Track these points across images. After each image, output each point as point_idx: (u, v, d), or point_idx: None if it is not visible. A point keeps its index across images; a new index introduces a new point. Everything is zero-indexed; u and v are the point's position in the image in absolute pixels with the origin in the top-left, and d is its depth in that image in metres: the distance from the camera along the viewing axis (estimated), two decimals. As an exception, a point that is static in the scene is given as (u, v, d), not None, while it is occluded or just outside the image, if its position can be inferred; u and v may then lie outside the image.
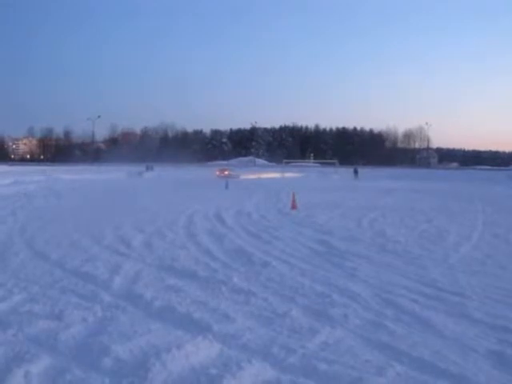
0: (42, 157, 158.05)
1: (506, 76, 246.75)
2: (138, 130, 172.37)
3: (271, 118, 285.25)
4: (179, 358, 5.25)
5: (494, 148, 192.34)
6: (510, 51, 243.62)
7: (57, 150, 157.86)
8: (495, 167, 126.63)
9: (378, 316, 6.87)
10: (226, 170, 66.49)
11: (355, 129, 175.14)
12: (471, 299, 7.83)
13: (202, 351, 5.44)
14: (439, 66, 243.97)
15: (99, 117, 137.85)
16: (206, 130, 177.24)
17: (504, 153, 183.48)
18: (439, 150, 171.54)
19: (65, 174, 53.06)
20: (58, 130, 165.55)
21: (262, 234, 14.43)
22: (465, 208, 24.14)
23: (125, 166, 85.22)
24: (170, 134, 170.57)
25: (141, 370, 4.98)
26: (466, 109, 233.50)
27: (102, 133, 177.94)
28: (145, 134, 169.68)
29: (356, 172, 68.35)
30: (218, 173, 63.50)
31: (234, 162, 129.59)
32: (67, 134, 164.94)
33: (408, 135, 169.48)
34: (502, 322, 6.68)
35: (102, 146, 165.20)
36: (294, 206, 21.70)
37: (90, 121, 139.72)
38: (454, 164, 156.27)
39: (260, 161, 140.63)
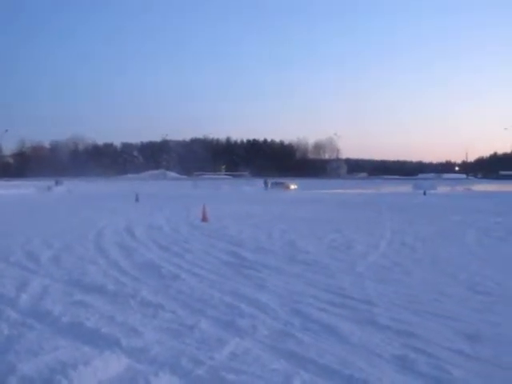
0: None
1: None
2: (47, 143, 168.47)
3: (182, 130, 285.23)
4: (86, 374, 5.16)
5: (401, 158, 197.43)
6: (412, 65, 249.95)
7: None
8: (403, 177, 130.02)
9: (286, 325, 6.95)
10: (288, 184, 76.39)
11: (266, 140, 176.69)
12: (377, 306, 8.02)
13: (109, 366, 5.37)
14: (349, 77, 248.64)
15: (7, 131, 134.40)
16: (117, 142, 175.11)
17: (411, 162, 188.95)
18: (348, 161, 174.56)
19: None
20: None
21: (172, 246, 14.37)
22: (374, 217, 24.70)
23: (34, 180, 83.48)
24: (81, 148, 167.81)
25: (47, 387, 4.89)
26: (374, 120, 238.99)
27: (10, 147, 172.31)
28: (54, 148, 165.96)
29: (266, 184, 69.08)
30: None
31: (144, 175, 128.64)
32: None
33: (318, 146, 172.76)
34: (406, 328, 6.86)
35: (11, 160, 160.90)
36: (204, 219, 21.70)
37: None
38: (363, 174, 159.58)
39: (171, 174, 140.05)
